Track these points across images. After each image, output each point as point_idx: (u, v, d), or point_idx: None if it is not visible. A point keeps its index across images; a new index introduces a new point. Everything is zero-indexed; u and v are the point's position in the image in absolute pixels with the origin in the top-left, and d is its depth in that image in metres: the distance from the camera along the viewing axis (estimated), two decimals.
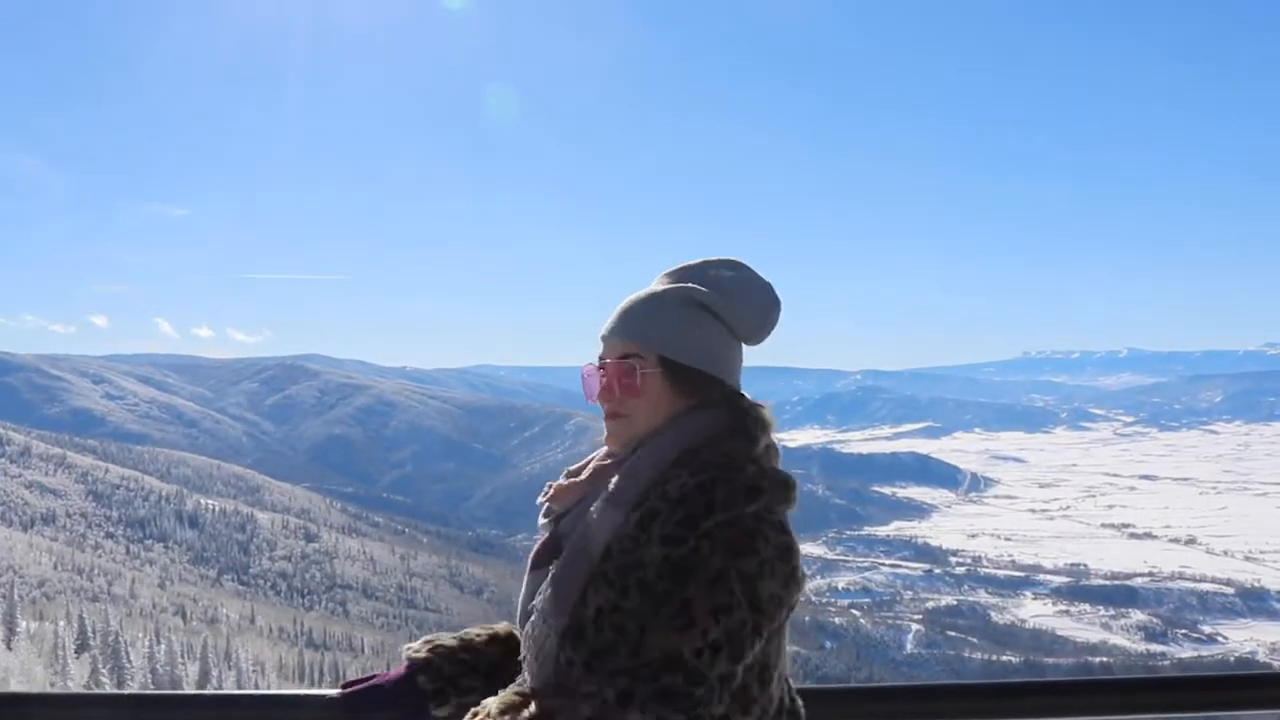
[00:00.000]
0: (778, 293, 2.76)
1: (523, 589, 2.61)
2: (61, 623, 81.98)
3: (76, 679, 65.94)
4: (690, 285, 2.65)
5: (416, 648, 2.83)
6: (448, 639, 2.86)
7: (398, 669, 2.83)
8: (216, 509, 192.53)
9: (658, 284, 2.72)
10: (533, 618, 2.54)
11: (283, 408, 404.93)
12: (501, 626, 2.93)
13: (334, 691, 2.95)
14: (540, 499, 2.70)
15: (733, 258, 2.76)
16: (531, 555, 2.64)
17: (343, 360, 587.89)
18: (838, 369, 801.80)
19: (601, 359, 2.66)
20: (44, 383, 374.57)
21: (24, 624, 77.57)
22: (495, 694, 2.52)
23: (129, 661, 73.37)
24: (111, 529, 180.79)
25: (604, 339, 2.67)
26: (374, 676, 2.87)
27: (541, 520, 2.66)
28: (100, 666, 69.85)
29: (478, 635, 2.88)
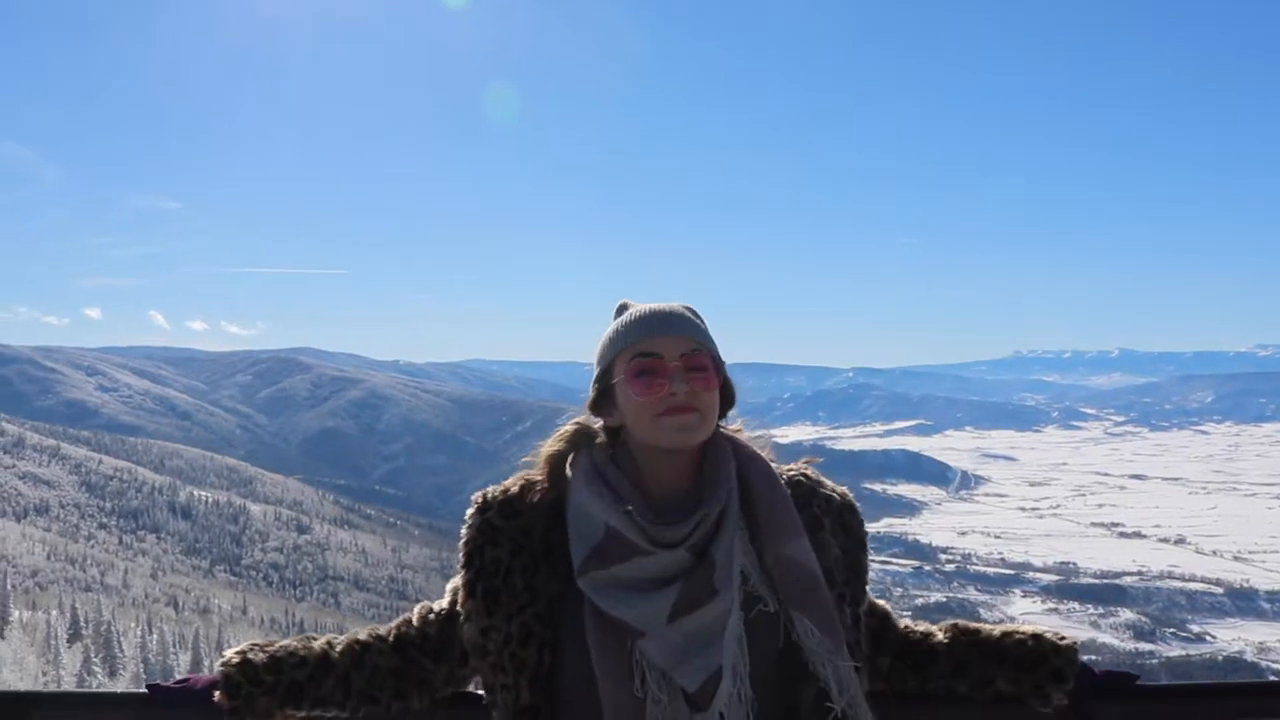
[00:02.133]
0: None
1: (669, 633, 2.39)
2: (54, 612, 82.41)
3: (69, 668, 66.45)
4: (685, 305, 2.68)
5: (229, 657, 2.75)
6: (260, 654, 2.75)
7: (212, 674, 2.79)
8: (209, 500, 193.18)
9: (649, 306, 2.67)
10: (819, 660, 2.44)
11: (276, 400, 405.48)
12: (320, 645, 2.82)
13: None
14: (638, 531, 2.47)
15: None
16: (681, 592, 2.41)
17: (335, 354, 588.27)
18: (829, 366, 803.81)
19: (653, 355, 2.56)
20: (38, 374, 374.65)
21: (17, 613, 78.01)
22: (291, 715, 2.72)
23: (121, 651, 73.82)
24: (105, 520, 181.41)
25: (660, 339, 2.57)
26: (190, 679, 2.85)
27: (659, 550, 2.46)
28: (93, 656, 70.33)
29: (292, 654, 2.77)
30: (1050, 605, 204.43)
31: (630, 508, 2.50)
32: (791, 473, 2.70)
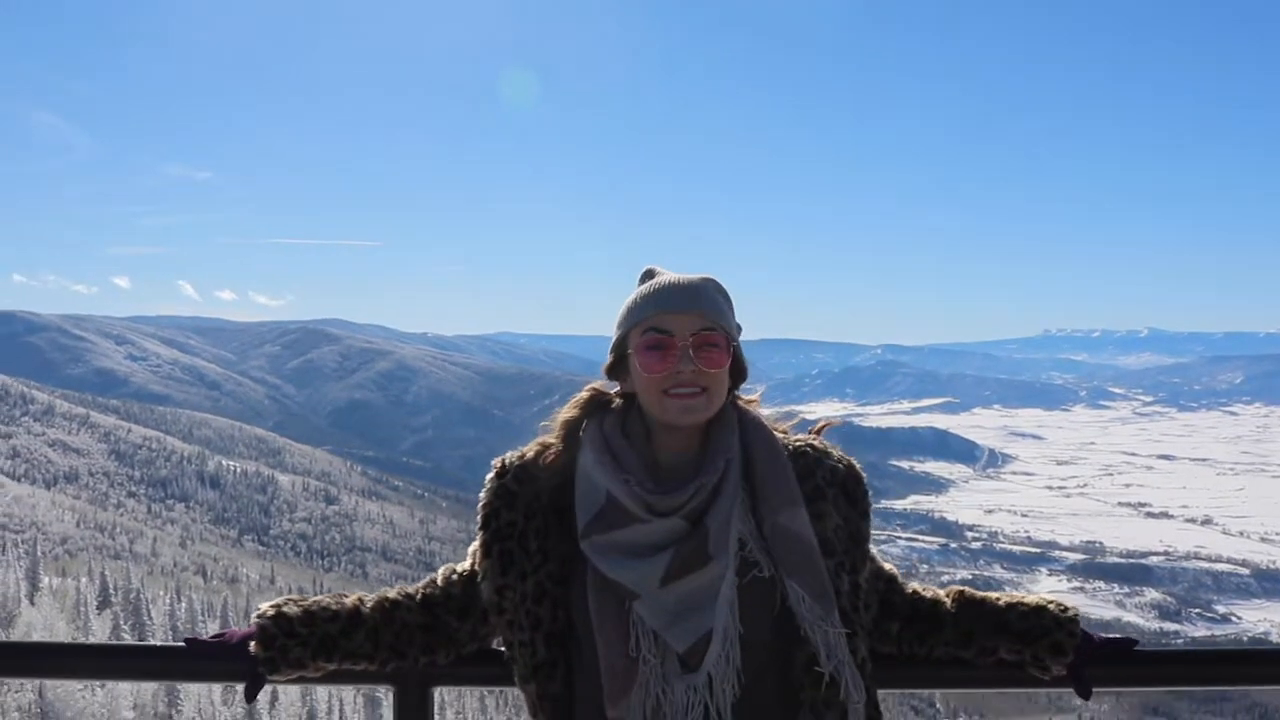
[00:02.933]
0: None
1: (662, 596, 2.53)
2: (84, 579, 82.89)
3: (98, 634, 66.75)
4: (712, 278, 2.75)
5: (264, 610, 2.87)
6: (294, 608, 2.87)
7: (247, 628, 2.89)
8: (238, 470, 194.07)
9: (673, 276, 2.74)
10: (809, 625, 2.55)
11: (304, 371, 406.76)
12: (351, 601, 2.93)
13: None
14: (635, 499, 2.59)
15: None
16: (673, 557, 2.54)
17: (364, 325, 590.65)
18: (857, 343, 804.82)
19: (664, 332, 2.64)
20: (67, 343, 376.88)
21: (46, 580, 78.45)
22: (319, 668, 2.85)
23: (149, 619, 74.14)
24: (133, 488, 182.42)
25: (672, 315, 2.65)
26: (225, 633, 2.95)
27: (655, 518, 2.58)
28: (122, 623, 70.64)
29: (325, 608, 2.89)
30: (1076, 584, 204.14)
31: (629, 477, 2.60)
32: (798, 443, 2.77)
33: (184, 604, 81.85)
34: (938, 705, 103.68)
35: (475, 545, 2.82)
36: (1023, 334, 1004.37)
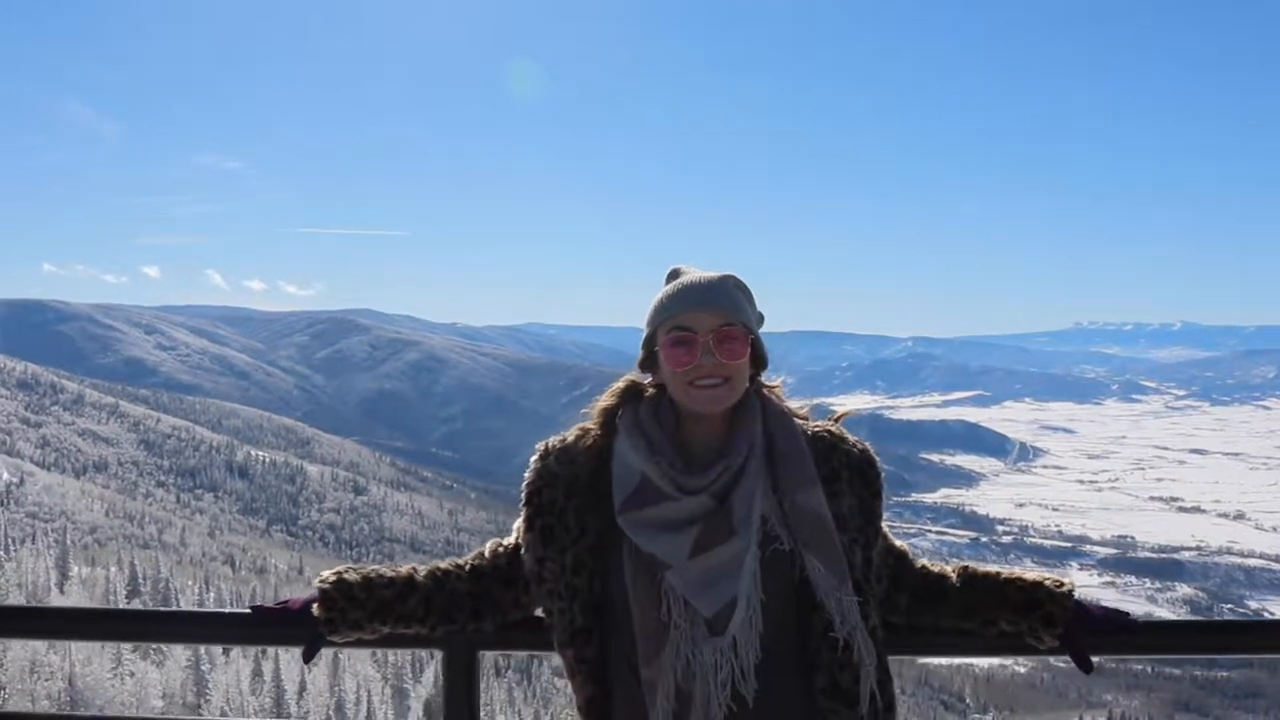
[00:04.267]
0: None
1: (691, 566, 2.77)
2: (113, 568, 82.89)
3: None
4: (736, 276, 3.00)
5: (326, 576, 3.15)
6: (355, 574, 3.14)
7: (308, 595, 3.17)
8: (266, 460, 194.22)
9: (696, 275, 3.00)
10: (825, 594, 2.79)
11: (333, 361, 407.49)
12: (405, 570, 3.21)
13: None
14: (667, 479, 2.85)
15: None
16: (700, 532, 2.79)
17: (393, 315, 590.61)
18: (888, 335, 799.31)
19: (688, 329, 2.89)
20: (97, 332, 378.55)
21: (76, 569, 78.46)
22: (375, 630, 3.14)
23: (178, 608, 74.26)
24: (163, 478, 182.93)
25: (694, 313, 2.90)
26: (288, 601, 3.21)
27: (684, 496, 2.83)
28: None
29: (381, 575, 3.16)
30: (1107, 579, 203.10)
31: (661, 459, 2.88)
32: (816, 429, 3.03)
33: (212, 594, 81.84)
34: (968, 700, 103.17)
35: (519, 521, 3.09)
36: (1054, 327, 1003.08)
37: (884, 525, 3.08)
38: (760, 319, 3.07)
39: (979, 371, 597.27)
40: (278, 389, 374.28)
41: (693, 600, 2.77)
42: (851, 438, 3.06)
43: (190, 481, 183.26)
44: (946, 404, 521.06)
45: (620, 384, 3.16)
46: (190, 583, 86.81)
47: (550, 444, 3.10)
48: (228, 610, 3.77)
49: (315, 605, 3.13)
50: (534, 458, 3.09)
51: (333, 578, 3.15)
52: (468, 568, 3.23)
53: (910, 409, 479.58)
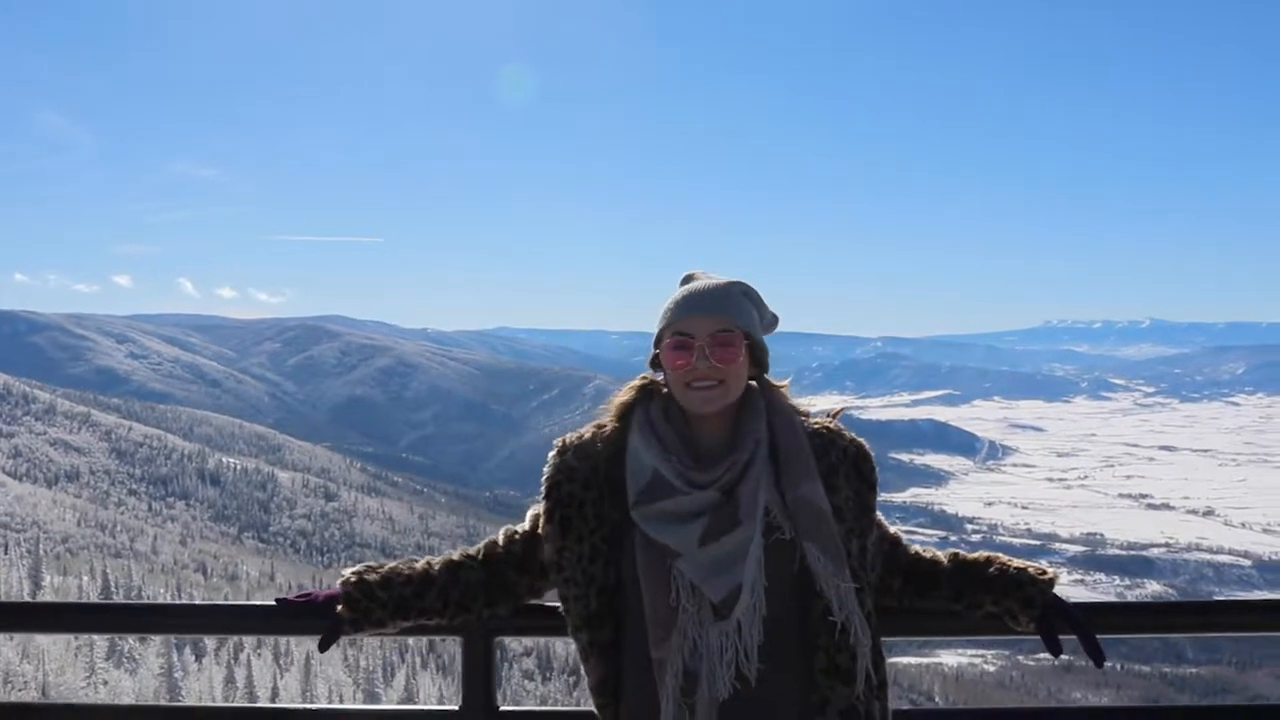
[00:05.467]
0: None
1: (700, 555, 3.01)
2: (85, 578, 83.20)
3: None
4: (738, 281, 3.26)
5: (348, 576, 3.39)
6: (375, 574, 3.39)
7: (330, 590, 3.47)
8: (238, 467, 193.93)
9: (704, 281, 3.26)
10: (824, 580, 3.03)
11: (304, 368, 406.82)
12: (421, 565, 3.45)
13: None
14: (678, 475, 3.09)
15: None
16: (708, 523, 3.02)
17: (364, 321, 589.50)
18: (857, 335, 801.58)
19: (687, 334, 3.14)
20: (69, 342, 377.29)
21: (48, 579, 78.66)
22: (397, 626, 3.41)
23: (203, 602, 74.46)
24: (134, 486, 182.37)
25: (693, 319, 3.15)
26: (311, 594, 3.56)
27: (694, 490, 3.07)
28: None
29: (399, 572, 3.41)
30: (1077, 576, 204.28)
31: (672, 456, 3.12)
32: (816, 425, 3.27)
33: (185, 602, 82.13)
34: (936, 699, 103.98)
35: (536, 510, 3.32)
36: (1023, 325, 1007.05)
37: (879, 515, 3.33)
38: (773, 321, 3.35)
39: (948, 371, 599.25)
40: (249, 396, 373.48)
41: (701, 586, 2.99)
42: (848, 434, 3.29)
43: (162, 490, 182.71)
44: (916, 403, 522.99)
45: (637, 382, 3.36)
46: (163, 590, 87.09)
47: (568, 440, 3.29)
48: (255, 603, 3.97)
49: (340, 606, 3.37)
50: (552, 453, 3.29)
51: (354, 578, 3.38)
52: (480, 556, 3.46)
53: (879, 409, 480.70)
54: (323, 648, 3.50)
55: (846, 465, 3.23)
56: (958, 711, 4.52)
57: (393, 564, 3.48)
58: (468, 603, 3.44)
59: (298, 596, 3.60)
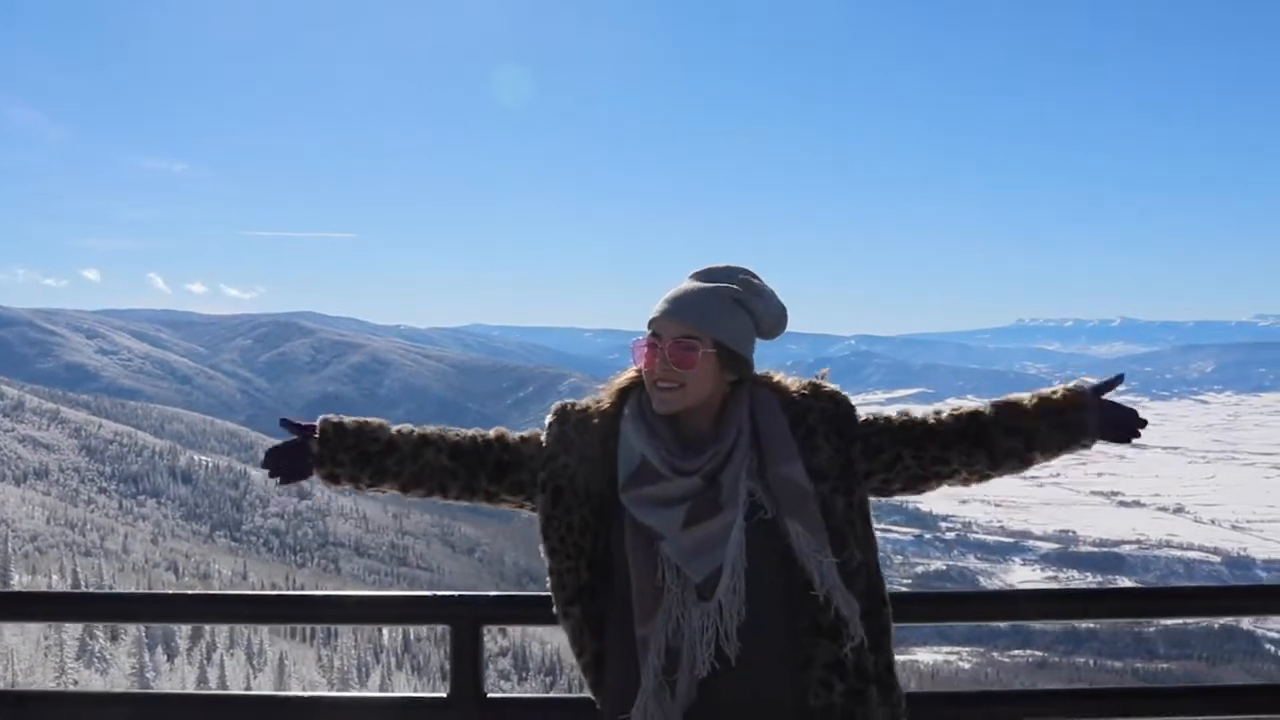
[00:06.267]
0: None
1: (683, 538, 3.13)
2: (55, 577, 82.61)
3: (70, 631, 66.45)
4: (731, 285, 3.32)
5: (328, 416, 3.59)
6: (352, 422, 3.55)
7: (311, 423, 3.56)
8: (210, 465, 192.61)
9: (698, 281, 3.35)
10: (805, 557, 3.13)
11: (276, 365, 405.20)
12: (397, 430, 3.58)
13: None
14: (664, 462, 3.22)
15: (746, 266, 3.45)
16: (691, 508, 3.15)
17: (336, 318, 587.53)
18: (831, 334, 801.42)
19: (657, 335, 3.23)
20: (37, 337, 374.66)
21: (17, 577, 78.11)
22: (358, 481, 3.52)
23: (122, 622, 73.87)
24: (105, 484, 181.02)
25: (662, 320, 3.24)
26: (311, 429, 3.55)
27: (678, 477, 3.19)
28: (94, 622, 70.47)
29: (373, 428, 3.56)
30: (1049, 573, 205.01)
31: (659, 443, 3.23)
32: (795, 392, 3.36)
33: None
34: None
35: (538, 433, 3.47)
36: (996, 324, 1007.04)
37: (877, 411, 3.46)
38: (775, 325, 3.42)
39: (922, 369, 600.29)
40: (220, 393, 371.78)
41: (685, 567, 3.11)
42: (827, 389, 3.39)
43: (133, 487, 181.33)
44: (890, 401, 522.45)
45: (633, 369, 3.43)
46: (133, 589, 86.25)
47: (569, 407, 3.44)
48: (221, 593, 4.04)
49: (314, 440, 3.51)
50: (551, 417, 3.45)
51: (334, 418, 3.55)
52: (450, 442, 3.54)
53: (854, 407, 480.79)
54: (281, 474, 3.57)
55: (825, 425, 3.30)
56: (952, 695, 4.77)
57: (377, 421, 3.60)
58: (423, 481, 3.51)
59: (296, 428, 3.61)
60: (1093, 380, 3.73)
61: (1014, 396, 3.61)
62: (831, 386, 3.43)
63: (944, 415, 3.54)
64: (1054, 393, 3.60)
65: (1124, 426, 3.69)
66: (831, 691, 3.15)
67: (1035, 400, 3.58)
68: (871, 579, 3.27)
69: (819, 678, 3.16)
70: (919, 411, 3.55)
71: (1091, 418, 3.62)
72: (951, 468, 3.48)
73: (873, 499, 3.34)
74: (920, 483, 3.49)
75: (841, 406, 3.38)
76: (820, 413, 3.32)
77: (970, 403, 3.61)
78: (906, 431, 3.46)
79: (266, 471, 3.58)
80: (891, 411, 3.51)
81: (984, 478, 3.59)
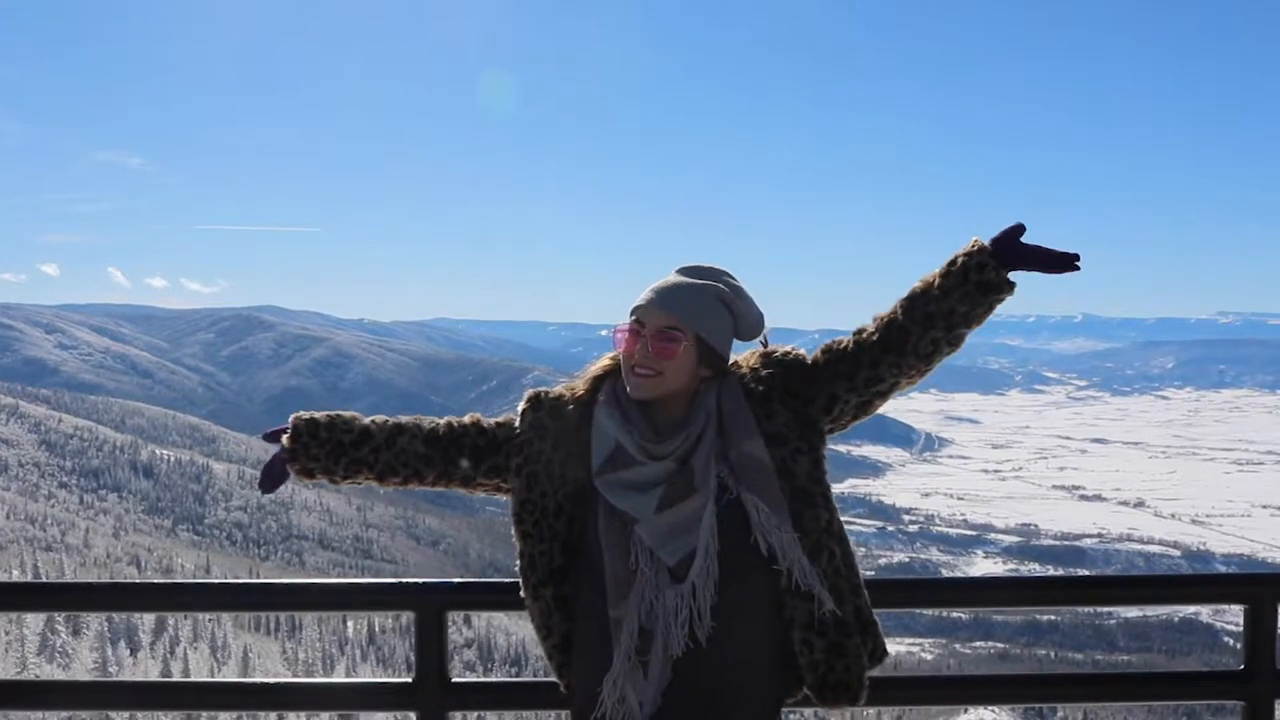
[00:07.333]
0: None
1: (657, 521, 3.25)
2: (15, 572, 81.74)
3: (32, 626, 66.06)
4: (719, 285, 3.42)
5: (300, 414, 3.67)
6: (324, 416, 3.66)
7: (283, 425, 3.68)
8: (172, 459, 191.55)
9: (684, 276, 3.45)
10: (765, 532, 3.25)
11: (239, 359, 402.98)
12: (370, 420, 3.68)
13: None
14: (637, 447, 3.32)
15: (727, 269, 3.52)
16: (665, 492, 3.26)
17: (299, 312, 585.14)
18: (795, 328, 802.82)
19: (640, 322, 3.34)
20: None
21: None
22: (334, 473, 3.61)
23: (83, 611, 73.40)
24: (65, 479, 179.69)
25: (648, 309, 3.34)
26: (278, 429, 3.71)
27: (651, 461, 3.30)
28: (55, 616, 69.96)
29: (346, 420, 3.66)
30: (1011, 566, 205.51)
31: (633, 429, 3.34)
32: (749, 368, 3.48)
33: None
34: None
35: (512, 419, 3.57)
36: None
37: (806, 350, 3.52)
38: (754, 328, 3.48)
39: None
40: (182, 387, 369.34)
41: (658, 550, 3.23)
42: (778, 352, 3.51)
43: (94, 482, 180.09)
44: None
45: (608, 357, 3.54)
46: None
47: (543, 395, 3.53)
48: (187, 580, 4.13)
49: (285, 437, 3.61)
50: (524, 405, 3.53)
51: (306, 415, 3.64)
52: (424, 429, 3.63)
53: None
54: (264, 485, 3.72)
55: (776, 390, 3.40)
56: (922, 678, 5.49)
57: (349, 413, 3.68)
58: (398, 468, 3.58)
59: (274, 431, 3.73)
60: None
61: (919, 284, 3.54)
62: (782, 349, 3.51)
63: (864, 335, 3.49)
64: (953, 263, 3.54)
65: (1041, 259, 3.65)
66: (813, 650, 3.27)
67: (938, 280, 3.51)
68: (841, 542, 3.45)
69: (800, 638, 3.28)
70: (842, 340, 3.53)
71: (995, 272, 3.51)
72: (889, 383, 3.48)
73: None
74: (866, 408, 3.51)
75: (791, 367, 3.46)
76: (768, 380, 3.41)
77: (885, 309, 3.54)
78: (832, 368, 3.46)
79: (260, 493, 3.69)
80: (816, 351, 3.52)
81: (923, 373, 3.53)
